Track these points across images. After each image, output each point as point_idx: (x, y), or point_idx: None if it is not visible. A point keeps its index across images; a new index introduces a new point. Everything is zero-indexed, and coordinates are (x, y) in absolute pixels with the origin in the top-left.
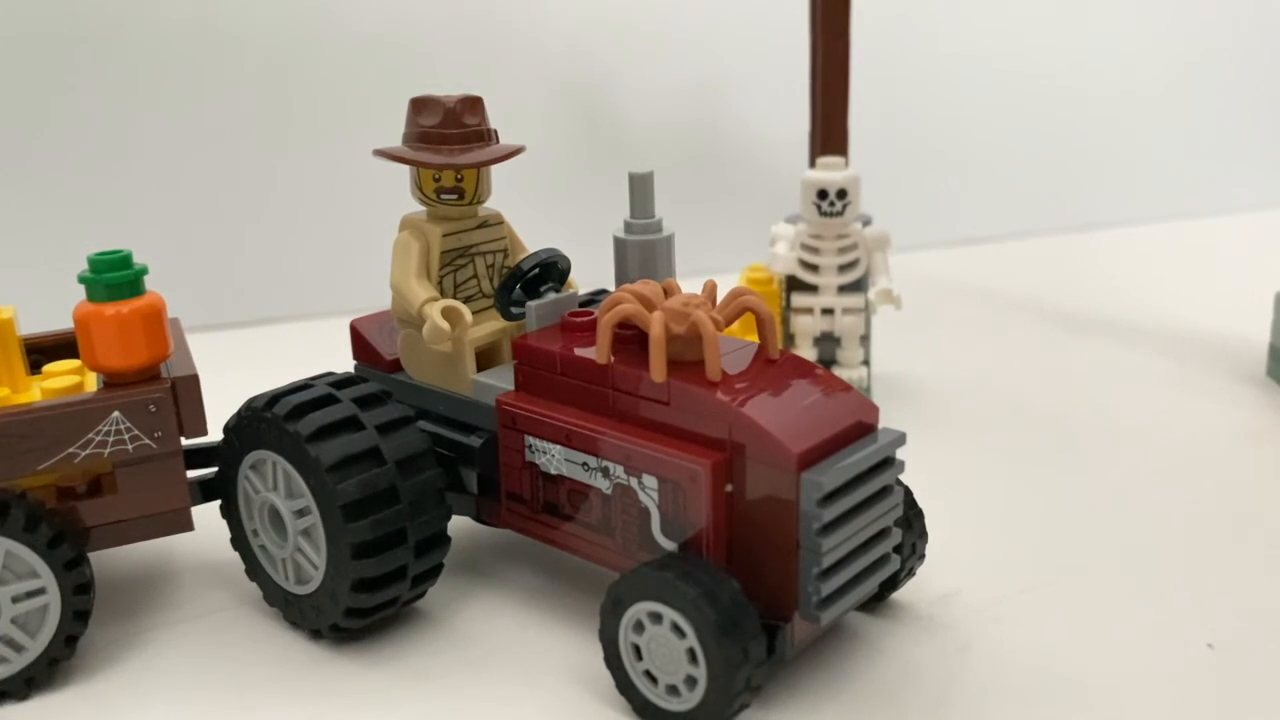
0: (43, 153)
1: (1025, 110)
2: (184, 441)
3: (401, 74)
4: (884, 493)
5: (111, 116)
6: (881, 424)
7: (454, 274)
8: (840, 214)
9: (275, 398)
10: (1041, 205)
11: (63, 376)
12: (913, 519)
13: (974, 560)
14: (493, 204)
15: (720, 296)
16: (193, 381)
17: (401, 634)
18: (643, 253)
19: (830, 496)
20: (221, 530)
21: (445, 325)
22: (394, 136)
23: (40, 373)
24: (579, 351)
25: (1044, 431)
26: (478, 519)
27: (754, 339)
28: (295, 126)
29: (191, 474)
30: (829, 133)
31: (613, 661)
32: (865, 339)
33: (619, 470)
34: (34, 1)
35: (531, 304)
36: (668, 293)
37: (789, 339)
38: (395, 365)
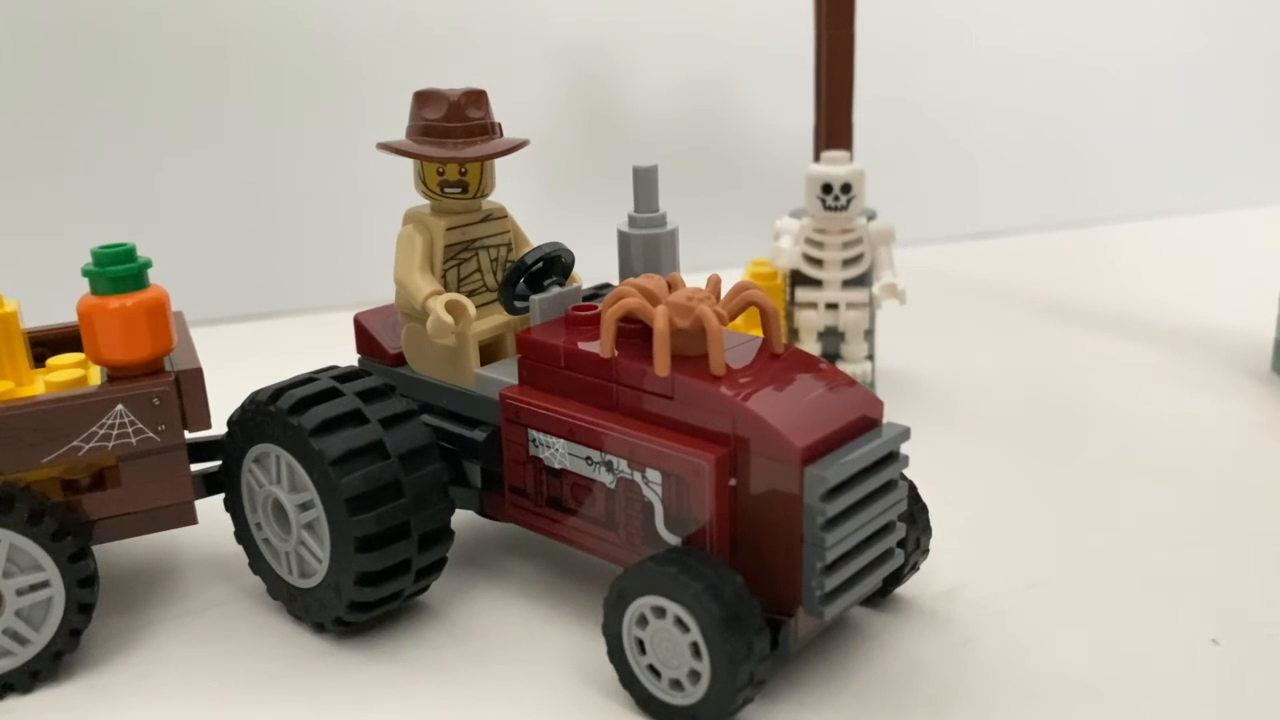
0: (47, 146)
1: (1031, 104)
2: (187, 435)
3: (406, 67)
4: (888, 487)
5: (116, 110)
6: (885, 419)
7: (458, 268)
8: (845, 208)
9: (279, 391)
10: (1047, 200)
11: (66, 370)
12: (917, 513)
13: (978, 555)
14: (496, 197)
15: (724, 291)
16: (196, 375)
17: (405, 628)
18: (647, 247)
19: (834, 491)
20: (225, 524)
21: (449, 319)
22: (398, 130)
23: (44, 366)
24: (583, 346)
25: (1048, 426)
26: (481, 513)
27: (758, 333)
28: (299, 120)
29: (195, 467)
30: (834, 127)
31: (616, 656)
32: (869, 333)
33: (623, 464)
34: None
35: (535, 298)
36: (672, 287)
37: (793, 333)
38: (399, 359)
